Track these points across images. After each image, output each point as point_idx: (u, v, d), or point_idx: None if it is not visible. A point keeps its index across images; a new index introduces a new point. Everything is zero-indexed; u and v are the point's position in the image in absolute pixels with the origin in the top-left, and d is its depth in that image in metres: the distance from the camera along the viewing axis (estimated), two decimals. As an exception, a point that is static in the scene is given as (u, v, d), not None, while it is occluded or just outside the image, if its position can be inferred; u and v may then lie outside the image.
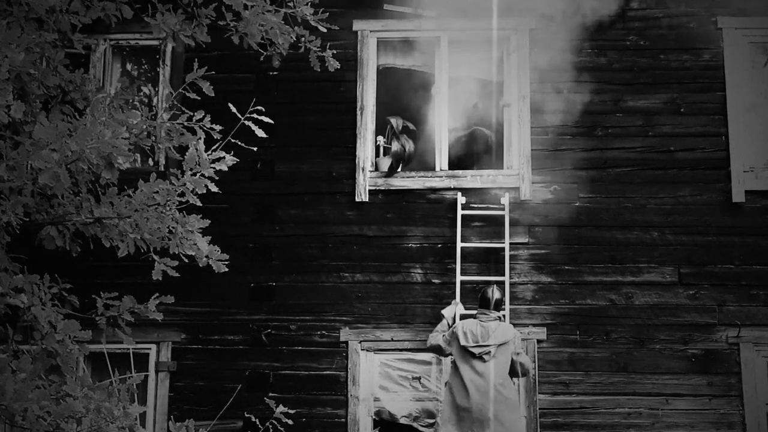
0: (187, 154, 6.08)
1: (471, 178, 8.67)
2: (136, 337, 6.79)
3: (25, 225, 6.27)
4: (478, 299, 7.93)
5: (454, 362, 7.68)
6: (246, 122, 6.25)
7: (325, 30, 7.07)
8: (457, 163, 9.10)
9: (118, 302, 6.37)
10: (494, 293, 7.82)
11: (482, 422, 7.38)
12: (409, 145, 8.95)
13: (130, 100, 8.89)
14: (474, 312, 7.90)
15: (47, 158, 5.64)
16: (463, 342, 7.58)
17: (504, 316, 7.97)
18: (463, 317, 7.98)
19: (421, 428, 8.32)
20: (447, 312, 8.06)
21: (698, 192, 8.51)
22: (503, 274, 8.28)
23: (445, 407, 7.61)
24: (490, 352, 7.52)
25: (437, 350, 7.86)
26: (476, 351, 7.53)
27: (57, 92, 6.89)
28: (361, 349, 8.42)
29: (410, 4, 8.91)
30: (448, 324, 7.96)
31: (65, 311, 6.29)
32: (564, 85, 8.76)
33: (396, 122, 8.97)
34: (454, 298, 8.20)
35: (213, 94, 6.37)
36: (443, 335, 7.80)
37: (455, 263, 8.34)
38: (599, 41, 8.77)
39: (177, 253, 6.24)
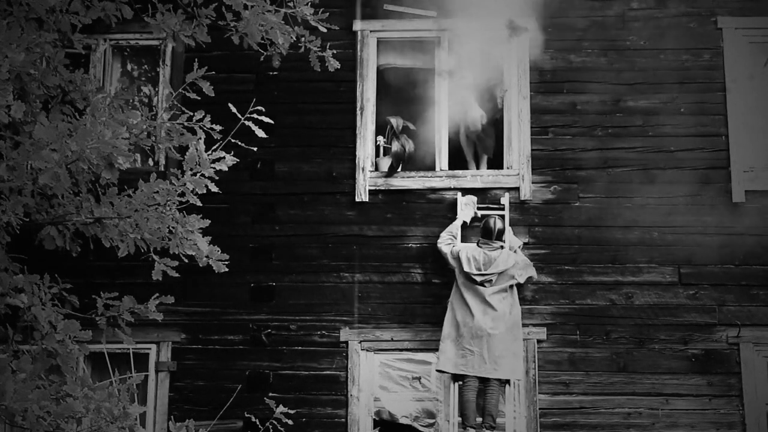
0: (187, 154, 6.08)
1: (471, 178, 8.67)
2: (136, 337, 6.80)
3: (25, 225, 6.27)
4: (480, 229, 8.19)
5: (456, 281, 7.99)
6: (246, 122, 6.25)
7: (325, 30, 7.07)
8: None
9: (118, 302, 6.37)
10: (497, 224, 8.15)
11: (480, 338, 7.78)
12: (409, 145, 8.94)
13: (130, 100, 8.89)
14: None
15: (47, 158, 5.64)
16: (466, 268, 7.95)
17: (503, 245, 8.11)
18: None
19: (421, 428, 8.32)
20: (465, 215, 8.35)
21: (698, 192, 8.51)
22: (503, 274, 8.29)
23: (446, 324, 7.96)
24: (491, 280, 7.88)
25: (444, 256, 8.17)
26: (478, 278, 7.91)
27: (57, 92, 6.88)
28: (361, 349, 8.41)
29: (410, 4, 8.90)
30: (465, 224, 8.33)
31: (65, 311, 6.30)
32: (564, 85, 8.76)
33: (396, 122, 8.96)
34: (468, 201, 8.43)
35: (213, 94, 6.37)
36: (451, 252, 8.09)
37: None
38: (599, 41, 8.77)
39: (177, 253, 6.24)
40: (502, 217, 8.31)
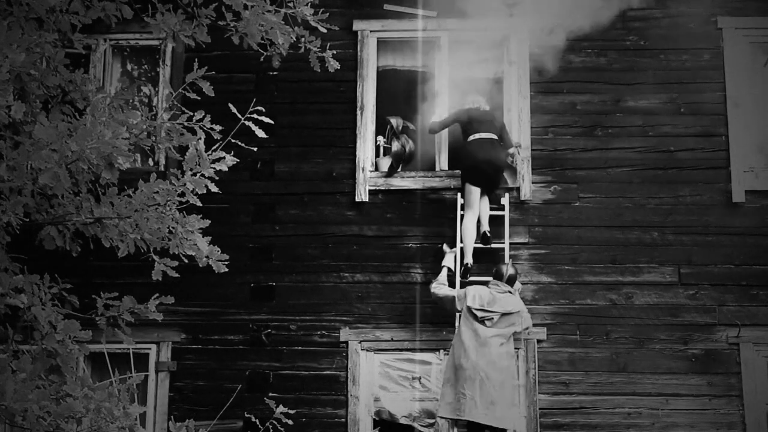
0: (187, 154, 6.07)
1: (471, 178, 8.66)
2: (136, 337, 6.79)
3: (25, 225, 6.27)
4: (492, 273, 8.06)
5: (458, 324, 7.87)
6: (246, 122, 6.24)
7: (325, 30, 7.07)
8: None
9: (118, 302, 6.35)
10: (508, 269, 8.02)
11: (474, 381, 7.58)
12: (409, 145, 8.94)
13: (130, 100, 8.89)
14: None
15: (47, 158, 5.64)
16: (469, 302, 7.80)
17: (512, 291, 7.99)
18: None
19: (421, 428, 8.33)
20: (448, 262, 8.24)
21: (698, 192, 8.51)
22: (503, 274, 8.28)
23: (447, 368, 7.82)
24: (492, 318, 7.74)
25: (448, 303, 7.98)
26: (479, 314, 7.75)
27: (57, 92, 6.87)
28: (361, 349, 8.41)
29: (410, 4, 8.91)
30: (451, 270, 8.20)
31: (65, 311, 6.28)
32: (564, 85, 8.77)
33: (396, 122, 8.96)
34: (449, 248, 8.35)
35: (213, 94, 6.36)
36: (457, 294, 7.94)
37: (455, 263, 8.33)
38: (599, 41, 8.77)
39: (177, 253, 6.24)
40: (515, 265, 8.16)
